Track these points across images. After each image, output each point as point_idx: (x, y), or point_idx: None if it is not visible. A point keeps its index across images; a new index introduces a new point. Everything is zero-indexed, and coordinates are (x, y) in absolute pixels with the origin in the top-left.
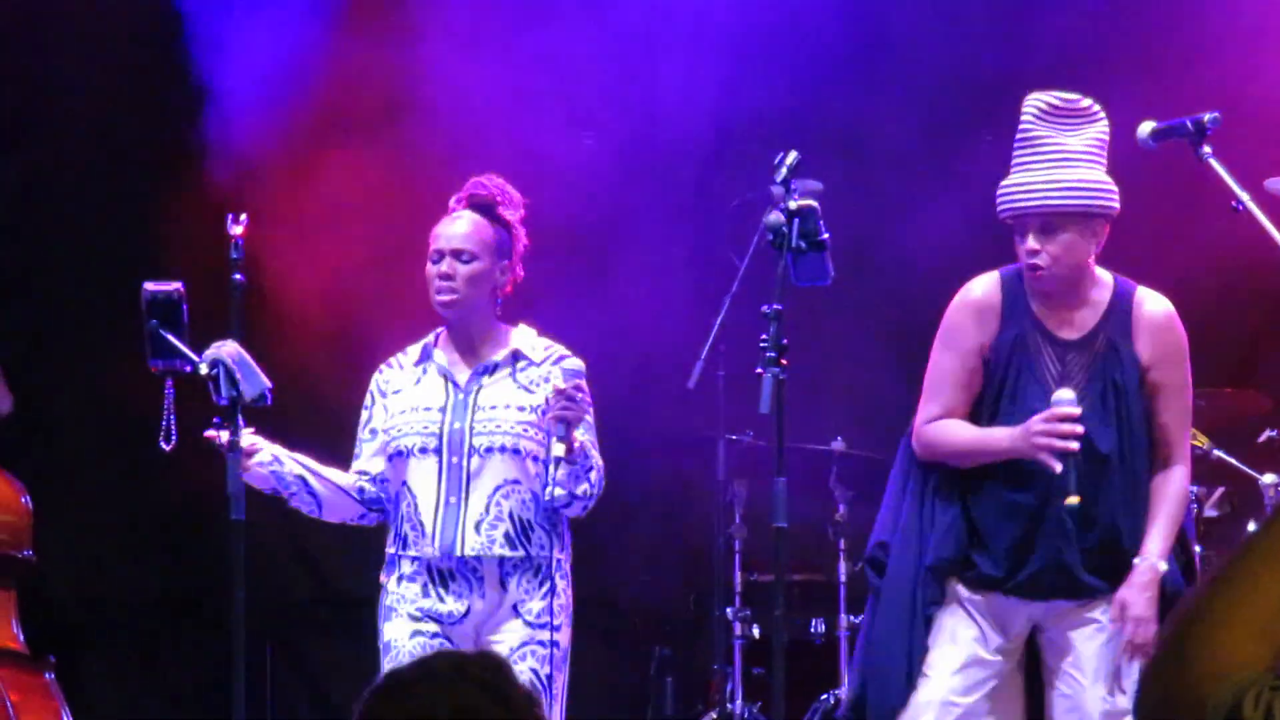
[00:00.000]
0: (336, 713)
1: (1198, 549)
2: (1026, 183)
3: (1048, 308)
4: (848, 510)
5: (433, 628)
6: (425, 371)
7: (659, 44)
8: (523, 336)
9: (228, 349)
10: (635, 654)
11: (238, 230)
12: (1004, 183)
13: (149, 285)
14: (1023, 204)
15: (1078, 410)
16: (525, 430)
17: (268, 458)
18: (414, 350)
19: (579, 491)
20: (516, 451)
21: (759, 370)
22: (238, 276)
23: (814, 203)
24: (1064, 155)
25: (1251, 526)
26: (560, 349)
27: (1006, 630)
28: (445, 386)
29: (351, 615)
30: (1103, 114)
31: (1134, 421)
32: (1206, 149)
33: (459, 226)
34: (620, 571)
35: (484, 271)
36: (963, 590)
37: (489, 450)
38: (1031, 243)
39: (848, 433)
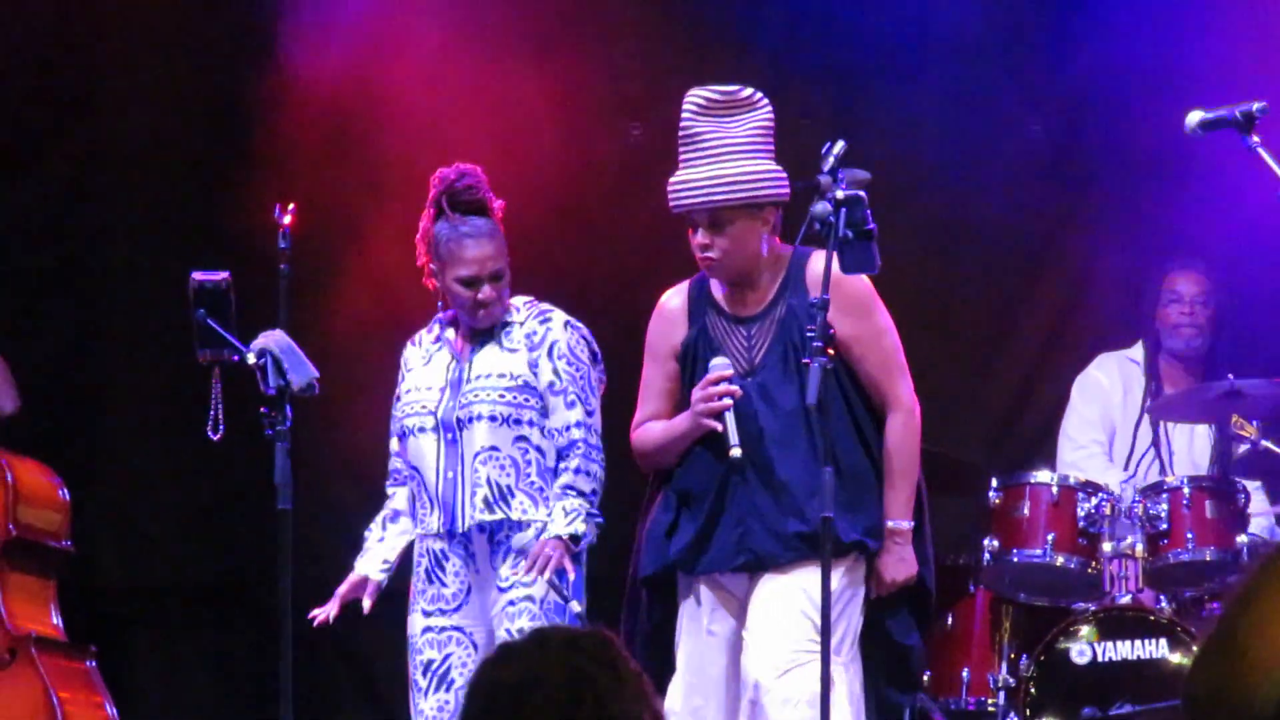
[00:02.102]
0: (382, 701)
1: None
2: (691, 179)
3: (730, 291)
4: None
5: (441, 621)
6: (440, 347)
7: (708, 34)
8: (513, 305)
9: (275, 338)
10: None
11: (286, 220)
12: (671, 180)
13: (197, 275)
14: (688, 201)
15: (729, 371)
16: (502, 396)
17: (381, 578)
18: (436, 328)
19: (587, 491)
20: (494, 419)
21: (806, 360)
22: (284, 266)
23: (861, 193)
24: (726, 149)
25: None
26: (542, 305)
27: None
28: (448, 364)
29: (398, 605)
30: (765, 102)
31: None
32: (1255, 138)
33: (484, 248)
34: None
35: (509, 275)
36: (689, 581)
37: (470, 420)
38: (702, 237)
39: None
